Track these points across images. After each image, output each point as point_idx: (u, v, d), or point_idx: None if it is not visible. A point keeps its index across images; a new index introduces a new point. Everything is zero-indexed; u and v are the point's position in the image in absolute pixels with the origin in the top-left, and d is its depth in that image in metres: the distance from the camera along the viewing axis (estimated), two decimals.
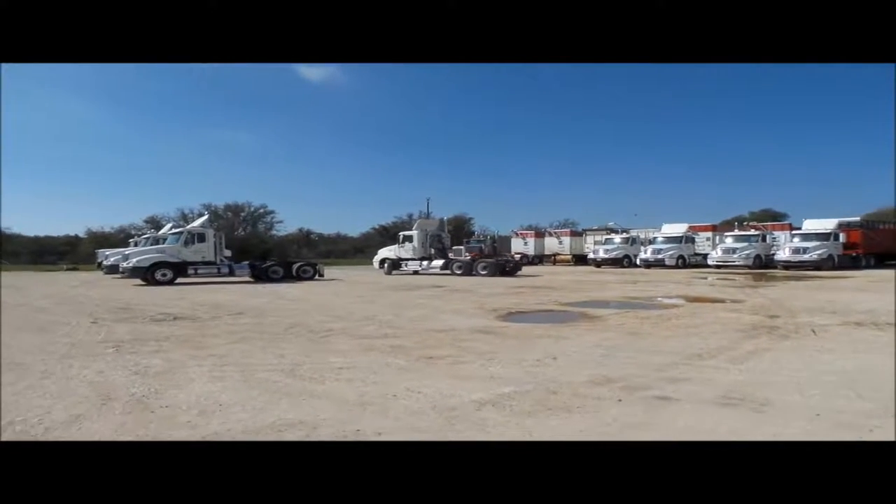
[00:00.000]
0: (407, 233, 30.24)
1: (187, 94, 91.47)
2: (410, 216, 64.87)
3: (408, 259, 28.88)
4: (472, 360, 6.59)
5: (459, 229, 54.78)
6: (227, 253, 25.42)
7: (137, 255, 23.09)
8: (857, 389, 5.03)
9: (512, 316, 11.00)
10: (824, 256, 28.38)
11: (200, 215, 34.84)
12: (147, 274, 21.97)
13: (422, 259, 28.49)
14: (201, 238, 23.59)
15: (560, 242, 45.07)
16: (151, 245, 24.11)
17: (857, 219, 33.13)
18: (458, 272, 26.66)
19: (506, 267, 26.89)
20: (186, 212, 56.39)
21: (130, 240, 34.32)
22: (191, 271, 22.86)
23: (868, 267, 30.08)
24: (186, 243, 23.17)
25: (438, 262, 27.93)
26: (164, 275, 22.09)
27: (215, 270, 23.42)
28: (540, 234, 46.99)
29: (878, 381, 5.34)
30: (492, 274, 25.60)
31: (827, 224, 30.51)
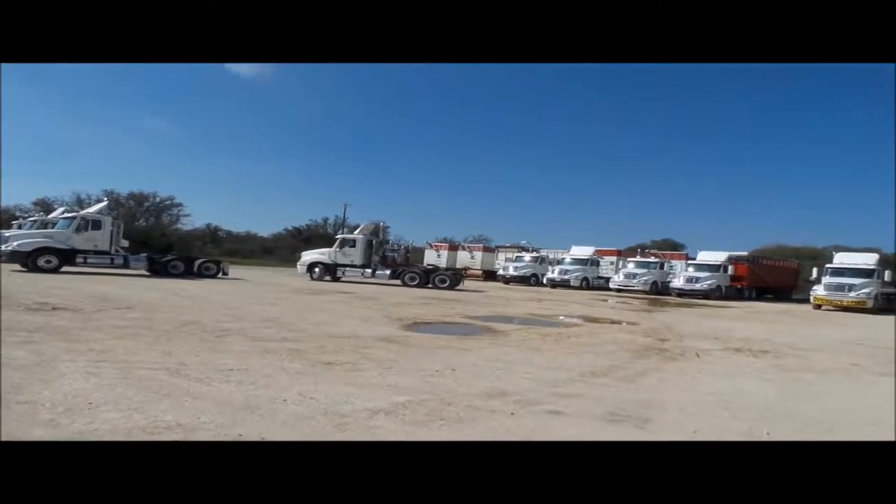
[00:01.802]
0: (348, 237, 28.21)
1: (96, 71, 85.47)
2: (326, 220, 63.82)
3: (347, 265, 26.83)
4: (370, 367, 6.49)
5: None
6: (125, 243, 23.85)
7: (19, 238, 21.11)
8: (730, 409, 5.39)
9: (417, 326, 10.97)
10: (713, 287, 30.43)
11: (99, 201, 32.63)
12: (28, 259, 20.15)
13: (363, 266, 26.77)
14: (96, 225, 22.01)
15: (472, 257, 45.59)
16: (38, 229, 22.20)
17: (746, 253, 35.82)
18: (412, 284, 25.75)
19: (455, 279, 26.85)
20: (83, 196, 52.56)
21: (14, 221, 31.49)
22: (80, 260, 21.23)
23: (750, 298, 32.51)
24: (79, 229, 21.55)
25: (386, 272, 26.58)
26: (48, 262, 20.34)
27: (108, 261, 21.91)
28: (454, 248, 47.37)
29: (749, 403, 5.75)
30: (450, 287, 25.56)
31: (718, 256, 32.77)
